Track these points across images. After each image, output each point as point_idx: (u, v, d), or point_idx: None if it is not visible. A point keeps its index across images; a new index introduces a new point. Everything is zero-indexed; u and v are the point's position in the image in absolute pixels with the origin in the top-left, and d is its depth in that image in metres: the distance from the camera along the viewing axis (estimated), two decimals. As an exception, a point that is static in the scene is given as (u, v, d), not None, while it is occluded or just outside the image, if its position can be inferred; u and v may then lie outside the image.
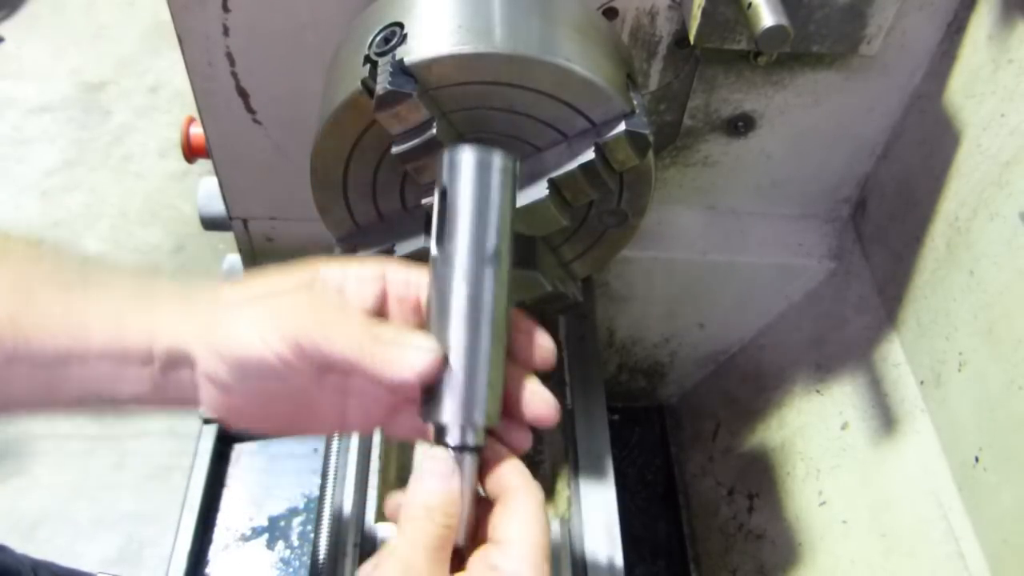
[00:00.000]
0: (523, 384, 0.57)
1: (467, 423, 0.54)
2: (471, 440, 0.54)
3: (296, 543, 1.53)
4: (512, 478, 0.55)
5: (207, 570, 1.50)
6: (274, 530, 1.55)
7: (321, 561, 0.92)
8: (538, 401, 0.57)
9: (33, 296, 0.53)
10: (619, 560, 0.91)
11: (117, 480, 1.65)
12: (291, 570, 1.50)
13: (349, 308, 0.55)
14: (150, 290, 0.56)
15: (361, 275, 0.57)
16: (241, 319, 0.53)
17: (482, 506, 0.56)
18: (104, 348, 0.53)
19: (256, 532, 1.55)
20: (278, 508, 1.58)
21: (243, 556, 1.52)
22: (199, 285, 0.57)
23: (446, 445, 0.54)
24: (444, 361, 0.53)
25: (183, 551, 1.45)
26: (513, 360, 0.57)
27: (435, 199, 0.55)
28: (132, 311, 0.54)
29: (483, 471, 0.56)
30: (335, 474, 0.99)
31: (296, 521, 1.56)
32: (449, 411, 0.53)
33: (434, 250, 0.55)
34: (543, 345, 0.58)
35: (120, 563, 1.54)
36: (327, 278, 0.56)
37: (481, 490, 0.56)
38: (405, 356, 0.52)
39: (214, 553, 1.52)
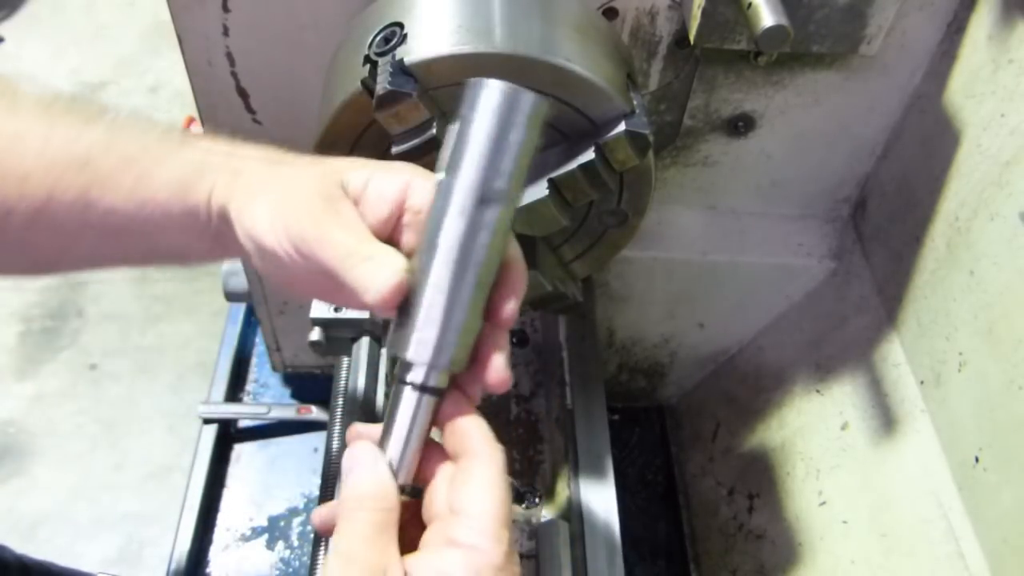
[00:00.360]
0: (491, 342, 0.54)
1: (433, 364, 0.51)
2: (433, 382, 0.52)
3: (296, 543, 1.53)
4: (473, 439, 0.53)
5: (207, 570, 1.50)
6: (274, 530, 1.55)
7: (321, 560, 0.92)
8: (497, 367, 0.54)
9: (98, 166, 0.56)
10: (619, 560, 0.91)
11: (117, 480, 1.65)
12: (291, 570, 1.50)
13: (354, 219, 0.55)
14: (204, 163, 0.58)
15: (384, 181, 0.56)
16: (261, 209, 0.55)
17: (438, 453, 0.55)
18: (169, 216, 0.57)
19: (256, 532, 1.55)
20: (278, 508, 1.58)
21: (243, 556, 1.52)
22: (245, 155, 0.60)
23: (405, 382, 0.52)
24: (409, 289, 0.51)
25: (183, 551, 1.45)
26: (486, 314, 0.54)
27: (454, 125, 0.52)
28: (192, 183, 0.57)
29: (443, 419, 0.54)
30: (335, 474, 0.99)
31: (296, 521, 1.56)
32: (415, 348, 0.51)
33: (440, 175, 0.52)
34: (510, 306, 0.54)
35: (120, 563, 1.54)
36: (351, 182, 0.56)
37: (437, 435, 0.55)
38: (375, 276, 0.51)
39: (214, 553, 1.52)
